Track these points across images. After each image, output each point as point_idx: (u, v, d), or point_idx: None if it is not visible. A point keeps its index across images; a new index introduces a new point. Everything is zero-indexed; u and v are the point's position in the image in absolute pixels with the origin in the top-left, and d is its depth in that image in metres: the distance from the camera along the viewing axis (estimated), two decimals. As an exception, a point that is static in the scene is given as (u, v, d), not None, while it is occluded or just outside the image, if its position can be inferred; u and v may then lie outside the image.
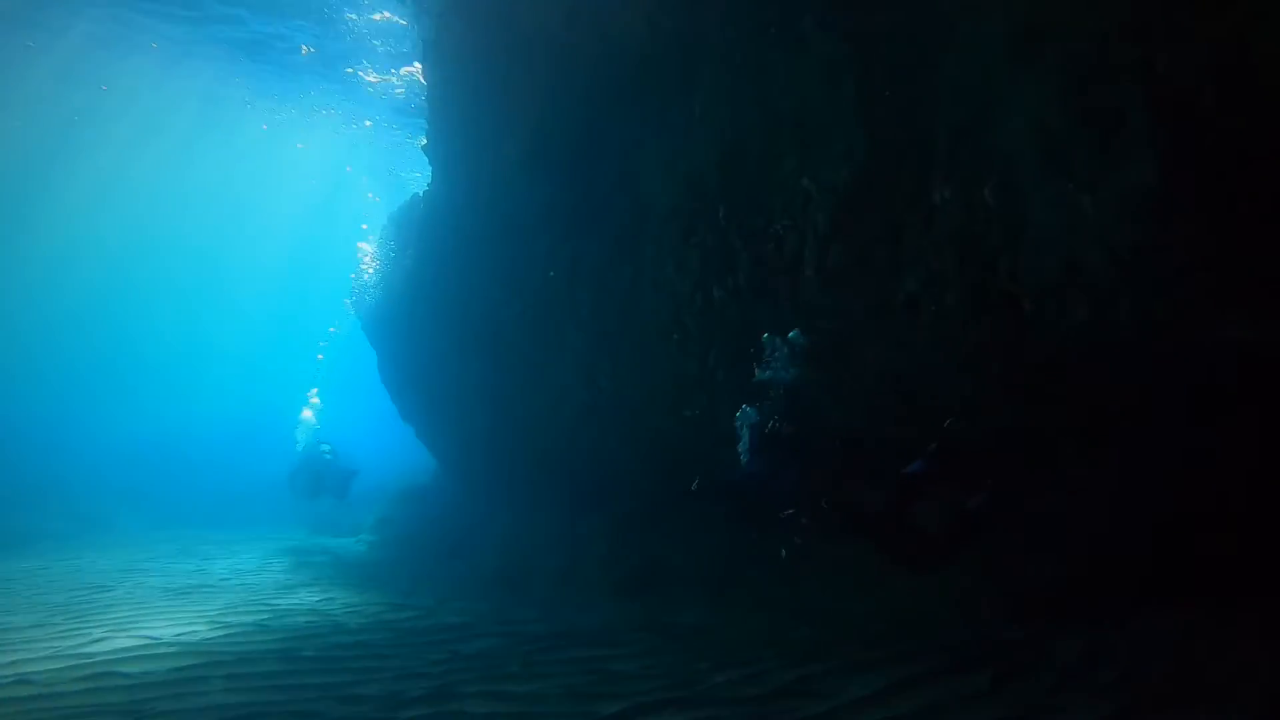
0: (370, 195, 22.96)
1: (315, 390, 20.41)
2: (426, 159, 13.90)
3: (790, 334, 7.32)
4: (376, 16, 15.18)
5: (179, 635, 7.35)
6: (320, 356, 23.13)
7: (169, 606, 8.78)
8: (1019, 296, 4.79)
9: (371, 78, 18.24)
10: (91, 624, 7.88)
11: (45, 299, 36.80)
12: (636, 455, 9.96)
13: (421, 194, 14.42)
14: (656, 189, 8.53)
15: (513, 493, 12.87)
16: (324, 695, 5.65)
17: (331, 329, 23.14)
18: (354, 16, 15.30)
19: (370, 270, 15.89)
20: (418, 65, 15.46)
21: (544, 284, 10.56)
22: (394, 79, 18.27)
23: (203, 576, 11.04)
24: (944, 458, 6.08)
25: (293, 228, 37.95)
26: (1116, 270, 4.21)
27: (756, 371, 7.36)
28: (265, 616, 8.26)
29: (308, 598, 9.42)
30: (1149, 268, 4.12)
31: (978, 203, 4.84)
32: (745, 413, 7.15)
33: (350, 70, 18.29)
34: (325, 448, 15.12)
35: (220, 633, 7.46)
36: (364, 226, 17.89)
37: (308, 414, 18.73)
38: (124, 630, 7.53)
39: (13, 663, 6.45)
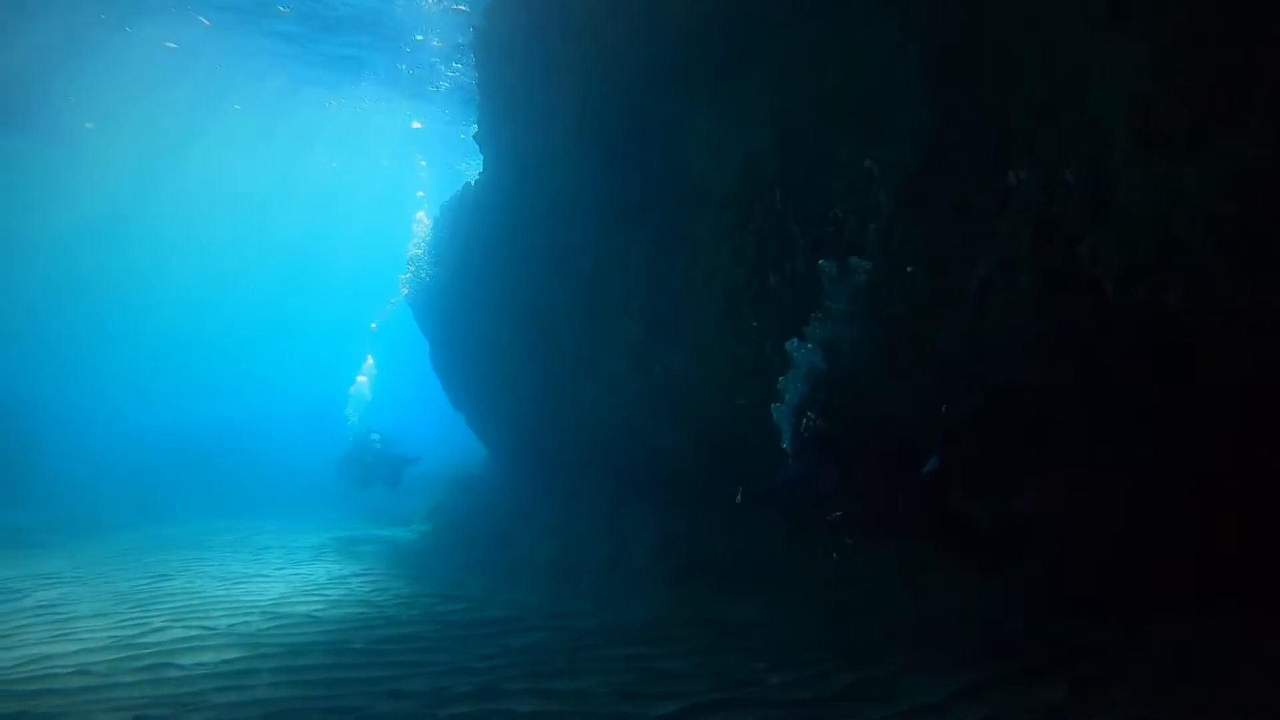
0: (419, 193, 23.16)
1: (370, 359, 20.55)
2: (477, 147, 13.84)
3: (811, 335, 7.02)
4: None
5: (233, 626, 7.37)
6: (374, 325, 23.21)
7: (225, 596, 8.84)
8: (1102, 280, 4.46)
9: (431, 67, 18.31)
10: (152, 613, 7.95)
11: (137, 295, 38.06)
12: (688, 444, 9.75)
13: (472, 183, 14.37)
14: (710, 174, 8.29)
15: (561, 481, 12.77)
16: (369, 690, 5.57)
17: (373, 325, 23.22)
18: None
19: (422, 259, 15.89)
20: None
21: (594, 271, 10.40)
22: (450, 70, 18.30)
23: (258, 566, 11.15)
24: (968, 447, 5.86)
25: (350, 220, 38.37)
26: (1219, 250, 3.86)
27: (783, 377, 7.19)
28: (317, 607, 8.26)
29: (359, 588, 9.42)
30: (1258, 246, 3.76)
31: (1058, 182, 4.51)
32: (779, 409, 7.05)
33: (404, 67, 18.43)
34: (375, 436, 15.16)
35: (272, 624, 7.47)
36: (419, 214, 17.87)
37: (362, 380, 18.87)
38: (181, 620, 7.58)
39: (75, 652, 6.52)
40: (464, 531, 13.53)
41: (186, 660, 6.20)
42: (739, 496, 7.06)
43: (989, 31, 5.12)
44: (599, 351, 10.55)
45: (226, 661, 6.17)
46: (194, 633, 7.06)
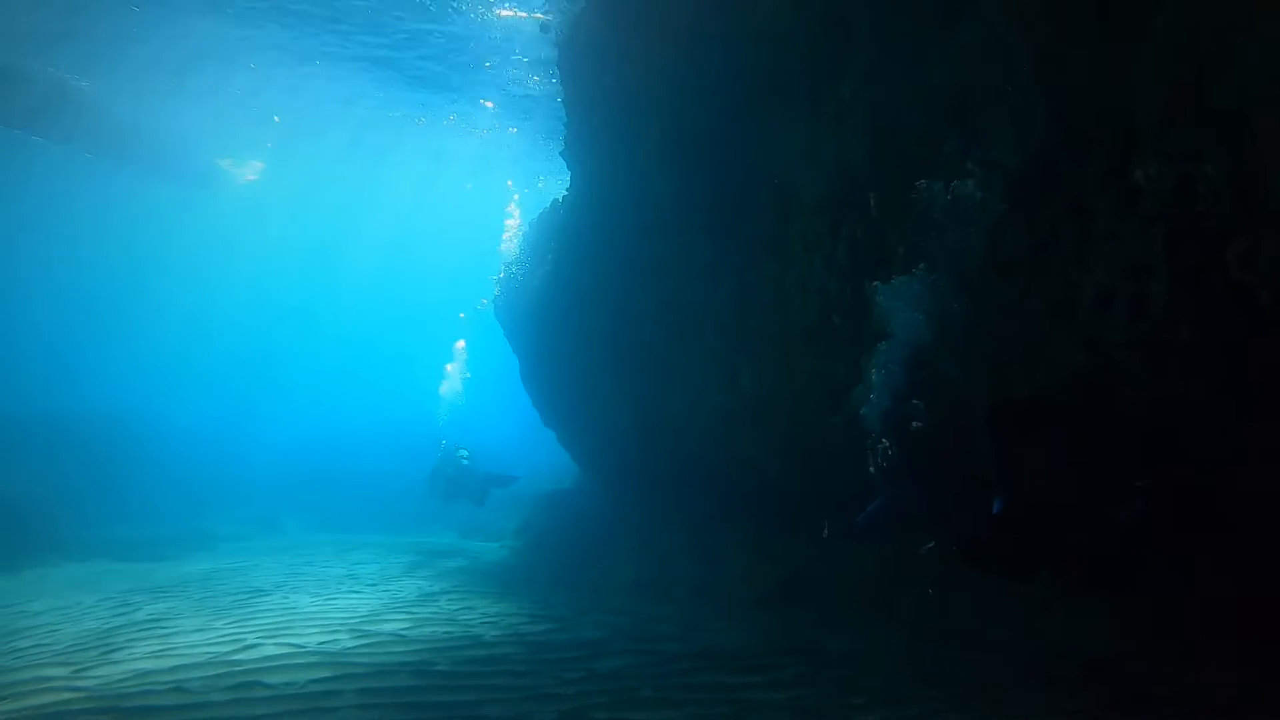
0: (511, 207, 23.45)
1: (455, 357, 20.82)
2: (565, 163, 13.84)
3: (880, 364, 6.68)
4: (504, 12, 15.21)
5: (322, 644, 7.38)
6: (462, 315, 23.46)
7: (318, 613, 8.92)
8: (1255, 286, 3.96)
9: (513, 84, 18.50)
10: (247, 629, 8.06)
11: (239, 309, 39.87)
12: (778, 461, 9.40)
13: (561, 198, 14.37)
14: (800, 179, 7.96)
15: (650, 498, 12.55)
16: (450, 716, 5.44)
17: (461, 314, 23.40)
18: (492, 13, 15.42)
19: (510, 277, 15.98)
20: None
21: (682, 284, 10.18)
22: (533, 84, 18.44)
23: (352, 582, 11.28)
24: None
25: (437, 240, 39.21)
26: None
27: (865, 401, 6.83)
28: (405, 625, 8.23)
29: (447, 606, 9.38)
30: None
31: (1196, 177, 4.05)
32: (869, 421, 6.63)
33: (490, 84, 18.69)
34: (463, 453, 15.30)
35: (360, 642, 7.45)
36: (505, 235, 18.02)
37: (450, 368, 19.13)
38: (274, 637, 7.64)
39: (173, 669, 6.60)
40: (552, 548, 13.45)
41: (275, 679, 6.20)
42: (825, 532, 6.67)
43: (1112, 15, 4.68)
44: (686, 365, 10.31)
45: (314, 681, 6.15)
46: (285, 650, 7.09)
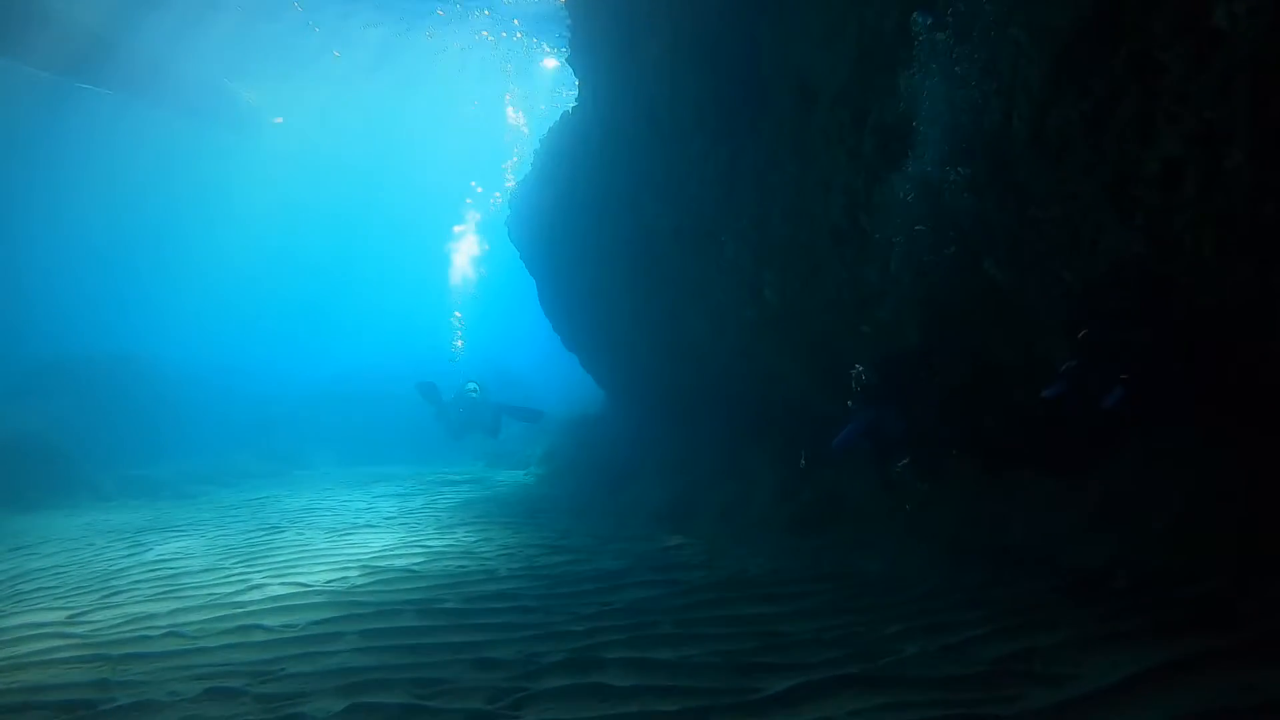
0: (514, 119, 22.52)
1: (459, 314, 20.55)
2: (572, 71, 13.05)
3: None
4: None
5: (329, 582, 7.10)
6: (457, 314, 23.18)
7: (330, 549, 8.67)
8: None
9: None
10: (256, 568, 7.83)
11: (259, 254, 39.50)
12: (809, 377, 8.85)
13: (570, 110, 13.60)
14: (819, 67, 7.21)
15: (678, 421, 12.11)
16: (455, 659, 5.08)
17: (457, 314, 23.07)
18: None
19: (522, 196, 15.32)
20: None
21: (698, 192, 9.51)
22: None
23: (371, 515, 11.05)
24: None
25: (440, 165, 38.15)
26: None
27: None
28: (418, 560, 7.93)
29: (465, 538, 9.08)
30: None
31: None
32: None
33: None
34: (471, 385, 14.99)
35: (369, 579, 7.16)
36: (512, 160, 17.32)
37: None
38: (281, 576, 7.39)
39: (171, 611, 6.36)
40: (576, 475, 13.14)
41: (275, 621, 5.90)
42: (802, 461, 6.34)
43: None
44: (707, 280, 9.72)
45: (316, 623, 5.84)
46: (290, 590, 6.81)
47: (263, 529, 10.07)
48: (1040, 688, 4.17)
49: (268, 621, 5.91)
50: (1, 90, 22.77)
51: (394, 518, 10.79)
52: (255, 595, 6.69)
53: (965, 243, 6.22)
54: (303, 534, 9.62)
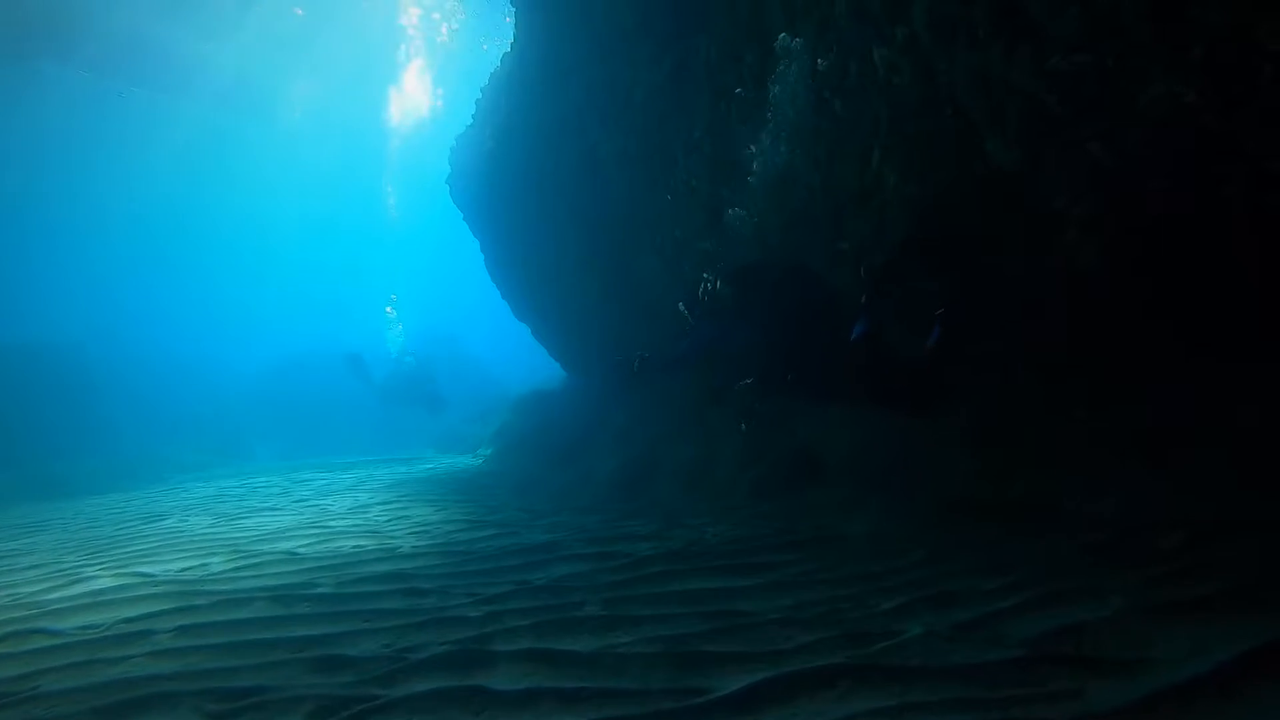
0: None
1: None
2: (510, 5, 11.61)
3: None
4: None
5: (183, 570, 5.63)
6: (390, 310, 21.74)
7: (209, 534, 7.20)
8: None
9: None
10: (100, 559, 6.35)
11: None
12: (779, 314, 7.48)
13: (510, 45, 12.13)
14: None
15: (634, 387, 10.70)
16: (294, 657, 3.66)
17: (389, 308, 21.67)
18: None
19: (462, 146, 13.83)
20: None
21: (644, 104, 8.12)
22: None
23: (282, 499, 9.59)
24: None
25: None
26: None
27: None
28: (307, 542, 6.48)
29: (377, 517, 7.64)
30: None
31: None
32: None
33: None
34: (408, 358, 13.66)
35: (233, 565, 5.70)
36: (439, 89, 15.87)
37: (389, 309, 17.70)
38: (125, 566, 5.91)
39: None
40: (526, 452, 11.71)
41: (73, 623, 4.42)
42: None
43: None
44: (659, 210, 8.32)
45: (125, 621, 4.38)
46: (123, 582, 5.33)
47: (142, 518, 8.56)
48: (1102, 679, 2.82)
49: (62, 624, 4.43)
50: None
51: (305, 500, 9.32)
52: (71, 590, 5.19)
53: (963, 118, 4.88)
54: (186, 520, 8.13)
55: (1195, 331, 4.60)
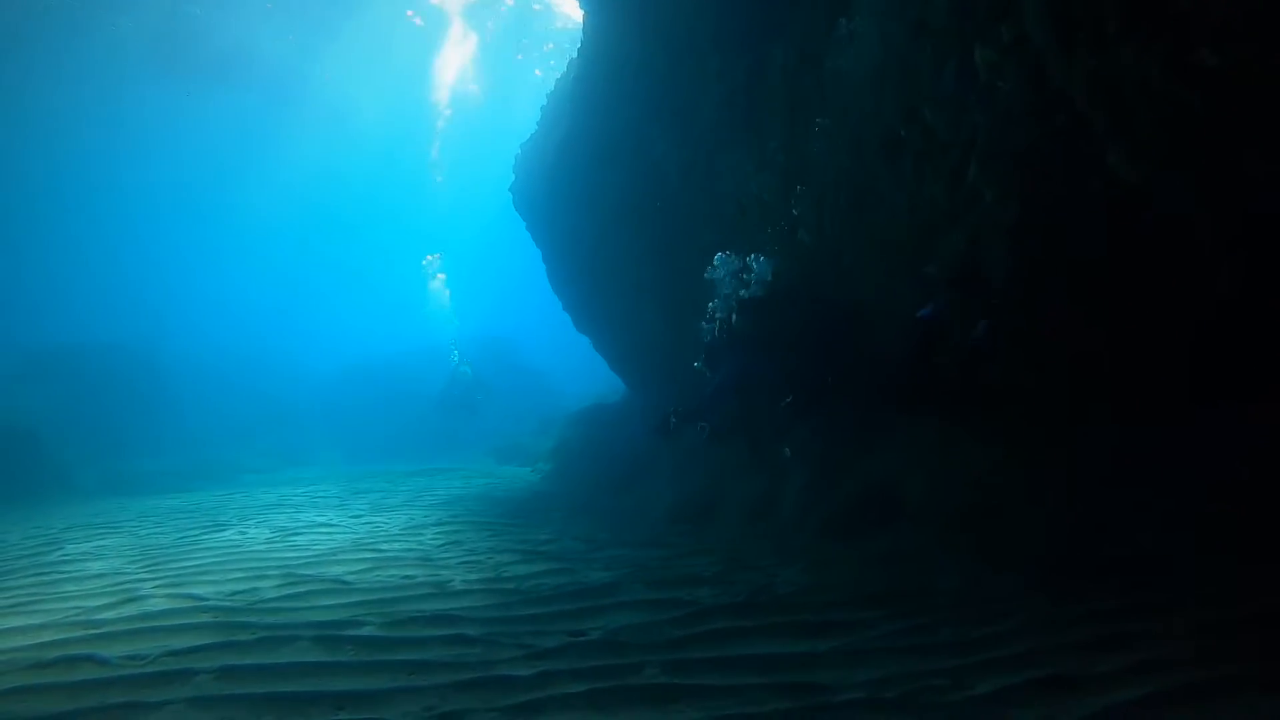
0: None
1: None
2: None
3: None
4: None
5: (232, 595, 5.49)
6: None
7: (263, 552, 7.09)
8: None
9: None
10: (159, 574, 6.28)
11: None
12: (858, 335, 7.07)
13: (575, 56, 11.93)
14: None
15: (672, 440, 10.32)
16: (334, 718, 3.41)
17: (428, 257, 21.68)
18: None
19: (526, 154, 13.68)
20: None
21: (716, 117, 7.79)
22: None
23: (337, 513, 9.49)
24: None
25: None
26: None
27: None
28: (359, 568, 6.30)
29: (429, 541, 7.44)
30: None
31: None
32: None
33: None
34: (466, 367, 13.82)
35: (283, 591, 5.54)
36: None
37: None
38: (178, 585, 5.81)
39: (40, 627, 4.83)
40: (584, 470, 11.45)
41: (119, 651, 4.28)
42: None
43: None
44: (726, 221, 7.97)
45: (169, 655, 4.21)
46: (174, 605, 5.20)
47: (203, 527, 8.54)
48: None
49: (111, 650, 4.29)
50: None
51: (361, 515, 9.20)
52: (128, 612, 5.09)
53: (1080, 128, 4.42)
54: (245, 533, 8.06)
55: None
